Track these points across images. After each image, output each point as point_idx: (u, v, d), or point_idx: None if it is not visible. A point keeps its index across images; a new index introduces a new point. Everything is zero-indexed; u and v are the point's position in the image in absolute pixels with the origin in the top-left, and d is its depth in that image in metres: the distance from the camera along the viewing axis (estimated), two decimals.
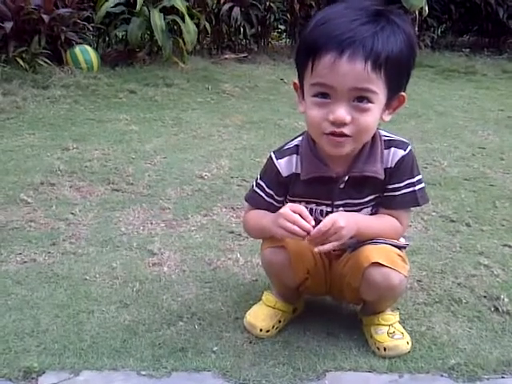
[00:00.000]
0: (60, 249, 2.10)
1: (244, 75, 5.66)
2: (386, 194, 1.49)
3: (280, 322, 1.63)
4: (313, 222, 1.36)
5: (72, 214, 2.40)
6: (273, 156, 1.52)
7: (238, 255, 2.07)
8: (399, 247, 1.51)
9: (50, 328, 1.61)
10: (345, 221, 1.37)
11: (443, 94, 5.30)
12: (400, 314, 1.67)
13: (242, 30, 6.94)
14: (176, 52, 5.66)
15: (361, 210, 1.51)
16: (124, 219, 2.37)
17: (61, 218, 2.36)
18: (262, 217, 1.53)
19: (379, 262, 1.42)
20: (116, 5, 5.44)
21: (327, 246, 1.37)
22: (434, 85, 5.80)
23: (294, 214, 1.36)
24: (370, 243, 1.46)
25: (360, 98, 1.31)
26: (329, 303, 1.78)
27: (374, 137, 1.44)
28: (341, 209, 1.49)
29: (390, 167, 1.46)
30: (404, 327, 1.61)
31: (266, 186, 1.54)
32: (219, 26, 6.65)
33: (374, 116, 1.34)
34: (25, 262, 2.00)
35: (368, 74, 1.27)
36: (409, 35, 1.33)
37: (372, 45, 1.26)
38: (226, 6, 6.38)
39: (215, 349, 1.54)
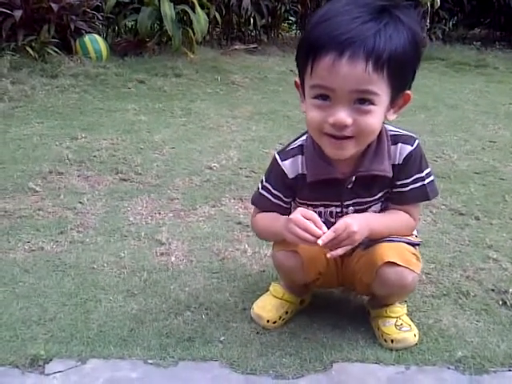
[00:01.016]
0: (68, 237, 2.10)
1: (253, 66, 5.64)
2: (394, 190, 1.47)
3: (287, 313, 1.63)
4: (324, 229, 1.32)
5: (80, 203, 2.41)
6: (277, 157, 1.49)
7: (246, 246, 2.06)
8: (413, 244, 1.50)
9: (57, 316, 1.62)
10: (357, 225, 1.34)
11: (454, 87, 5.26)
12: (408, 306, 1.66)
13: (252, 20, 6.93)
14: (185, 42, 5.65)
15: (370, 207, 1.49)
16: (132, 209, 2.38)
17: (69, 206, 2.37)
18: (272, 220, 1.50)
19: (393, 261, 1.41)
20: None
21: (340, 251, 1.35)
22: (444, 78, 5.76)
23: (305, 221, 1.33)
24: (384, 241, 1.44)
25: (361, 100, 1.25)
26: (336, 295, 1.78)
27: (380, 133, 1.40)
28: (350, 208, 1.48)
29: (398, 163, 1.43)
30: (412, 319, 1.61)
31: (273, 187, 1.51)
32: (229, 16, 6.63)
33: (376, 117, 1.28)
34: (33, 250, 2.01)
35: (369, 75, 1.21)
36: (414, 32, 1.26)
37: (373, 44, 1.20)
38: None
39: (222, 339, 1.54)
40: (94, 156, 2.99)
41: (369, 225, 1.40)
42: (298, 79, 1.38)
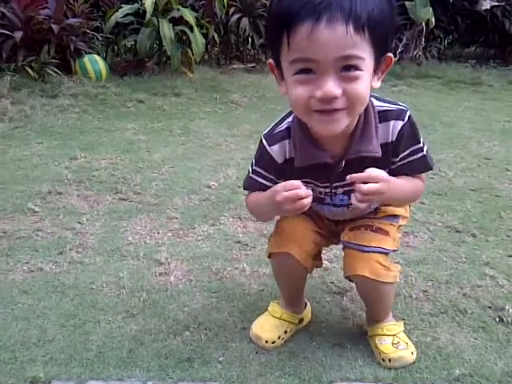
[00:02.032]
0: (67, 258, 2.11)
1: (252, 85, 5.69)
2: (393, 167, 1.41)
3: (286, 332, 1.64)
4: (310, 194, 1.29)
5: (79, 223, 2.42)
6: (264, 142, 1.43)
7: (245, 265, 2.07)
8: (386, 253, 1.48)
9: (56, 338, 1.62)
10: (385, 176, 1.29)
11: (449, 105, 5.30)
12: (405, 324, 1.67)
13: (250, 40, 6.99)
14: (184, 62, 5.71)
15: None
16: (131, 228, 2.39)
17: (68, 227, 2.38)
18: (259, 193, 1.46)
19: (364, 275, 1.45)
20: (125, 15, 5.52)
21: (362, 200, 1.28)
22: (440, 96, 5.80)
23: (293, 183, 1.28)
24: (357, 250, 1.46)
25: (347, 66, 1.15)
26: (335, 314, 1.79)
27: (366, 110, 1.32)
28: (340, 190, 1.45)
29: (392, 141, 1.36)
30: (409, 338, 1.61)
31: (264, 170, 1.46)
32: (227, 36, 6.70)
33: (365, 83, 1.19)
34: (32, 271, 2.02)
35: (352, 39, 1.12)
36: None
37: (350, 5, 1.10)
38: (235, 17, 6.42)
39: (221, 359, 1.55)
40: (94, 176, 3.01)
41: (388, 181, 1.31)
42: (271, 60, 1.29)
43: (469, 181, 3.08)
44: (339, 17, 1.10)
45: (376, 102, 1.36)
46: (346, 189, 1.45)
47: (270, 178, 1.45)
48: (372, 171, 1.27)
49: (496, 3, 7.26)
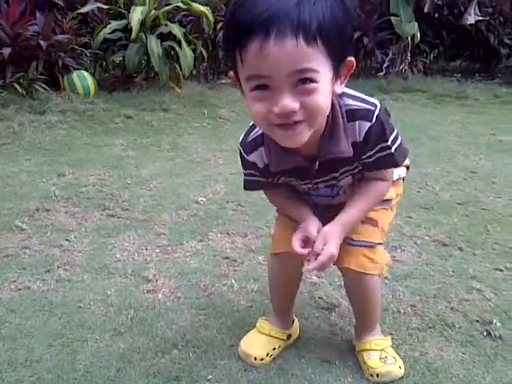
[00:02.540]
0: (54, 276, 2.10)
1: (240, 100, 5.67)
2: (362, 163, 1.41)
3: (274, 349, 1.64)
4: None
5: (67, 240, 2.41)
6: (242, 151, 1.45)
7: (233, 281, 2.07)
8: (372, 246, 1.51)
9: (43, 357, 1.61)
10: (336, 245, 1.39)
11: (435, 119, 5.36)
12: (393, 339, 1.68)
13: None
14: (173, 77, 5.73)
15: (340, 181, 1.47)
16: (119, 245, 2.38)
17: (56, 244, 2.37)
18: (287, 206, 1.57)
19: (349, 267, 1.49)
20: (113, 31, 5.53)
21: (313, 266, 1.39)
22: (426, 109, 5.86)
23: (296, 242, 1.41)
24: (345, 241, 1.46)
25: (302, 79, 1.12)
26: (323, 329, 1.79)
27: (334, 111, 1.29)
28: (320, 184, 1.48)
29: (359, 141, 1.34)
30: (397, 352, 1.62)
31: (255, 172, 1.47)
32: (216, 51, 6.73)
33: (323, 94, 1.16)
34: (19, 289, 2.00)
35: (303, 51, 1.08)
36: None
37: (299, 16, 1.06)
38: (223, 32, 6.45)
39: (210, 377, 1.54)
40: (82, 192, 3.01)
41: (345, 227, 1.43)
42: (233, 73, 1.24)
43: (455, 194, 3.11)
44: (288, 30, 1.07)
45: (344, 101, 1.34)
46: (327, 184, 1.48)
47: (263, 175, 1.47)
48: (323, 259, 1.36)
49: (480, 18, 7.36)
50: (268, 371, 1.58)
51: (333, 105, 1.27)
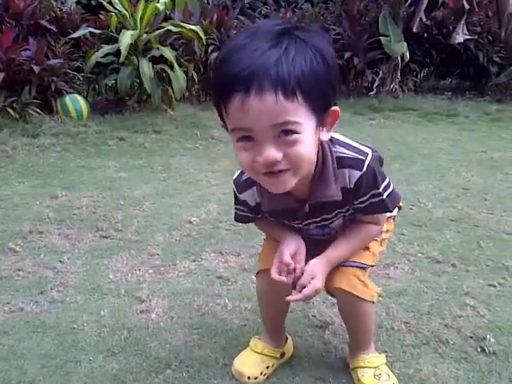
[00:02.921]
0: (48, 297, 2.09)
1: None
2: (353, 207, 1.45)
3: (268, 367, 1.64)
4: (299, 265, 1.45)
5: (60, 261, 2.41)
6: (235, 189, 1.51)
7: (227, 300, 2.07)
8: (365, 268, 1.53)
9: (36, 379, 1.60)
10: (321, 280, 1.44)
11: (427, 137, 5.39)
12: (388, 356, 1.68)
13: None
14: (165, 99, 5.76)
15: (332, 222, 1.51)
16: (112, 266, 2.38)
17: (49, 266, 2.37)
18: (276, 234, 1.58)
19: (340, 287, 1.49)
20: (106, 55, 5.58)
21: (296, 298, 1.45)
22: (417, 128, 5.90)
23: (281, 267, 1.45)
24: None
25: (284, 131, 1.16)
26: (317, 347, 1.79)
27: (324, 156, 1.35)
28: (312, 225, 1.51)
29: (350, 188, 1.38)
30: (392, 370, 1.62)
31: (246, 207, 1.53)
32: (207, 73, 6.78)
33: (306, 144, 1.20)
34: (12, 311, 1.99)
35: (283, 106, 1.12)
36: (319, 49, 1.18)
37: (277, 72, 1.11)
38: (214, 55, 6.51)
39: None
40: (75, 214, 3.01)
41: (332, 263, 1.48)
42: (220, 120, 1.28)
43: (448, 211, 3.13)
44: (267, 86, 1.11)
45: (336, 148, 1.38)
46: (317, 224, 1.52)
47: (253, 212, 1.53)
48: (308, 292, 1.42)
49: (469, 36, 7.46)
50: None
51: (323, 150, 1.34)
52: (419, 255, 2.49)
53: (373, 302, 1.55)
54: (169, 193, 3.45)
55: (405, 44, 7.07)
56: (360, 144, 1.42)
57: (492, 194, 3.47)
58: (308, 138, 1.20)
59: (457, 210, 3.16)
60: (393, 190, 1.44)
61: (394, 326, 1.90)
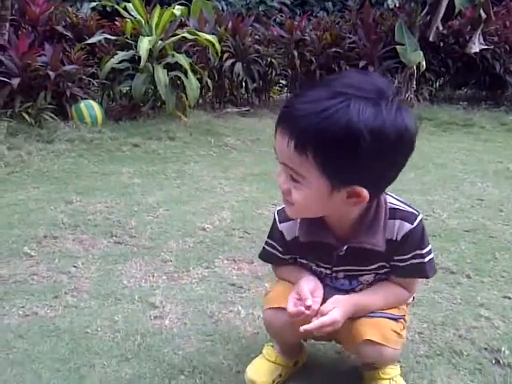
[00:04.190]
0: (62, 302, 2.11)
1: (246, 128, 5.76)
2: (392, 264, 1.44)
3: (281, 376, 1.63)
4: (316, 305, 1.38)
5: (74, 266, 2.42)
6: (276, 218, 1.52)
7: (240, 308, 2.07)
8: (396, 319, 1.48)
9: (51, 382, 1.61)
10: (342, 314, 1.38)
11: (442, 147, 5.37)
12: (401, 367, 1.66)
13: (243, 84, 7.10)
14: (179, 106, 5.79)
15: (362, 275, 1.48)
16: (126, 272, 2.39)
17: (63, 271, 2.38)
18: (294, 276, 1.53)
19: (372, 339, 1.42)
20: (121, 61, 5.62)
21: (313, 326, 1.36)
22: (432, 137, 5.87)
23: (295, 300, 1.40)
24: (365, 316, 1.44)
25: (290, 175, 1.25)
26: (330, 356, 1.78)
27: (378, 205, 1.37)
28: (340, 273, 1.49)
29: (396, 240, 1.39)
30: (406, 380, 1.61)
31: (277, 244, 1.54)
32: (221, 80, 6.81)
33: (305, 197, 1.25)
34: (27, 315, 2.01)
35: (292, 154, 1.20)
36: (377, 128, 1.13)
37: (301, 123, 1.16)
38: (229, 62, 6.55)
39: None
40: (89, 219, 3.03)
41: (355, 306, 1.42)
42: None
43: (462, 222, 3.11)
44: (288, 131, 1.20)
45: (390, 199, 1.41)
46: (347, 274, 1.49)
47: (280, 251, 1.55)
48: (326, 320, 1.35)
49: (485, 46, 7.42)
50: None
51: (378, 200, 1.37)
52: None
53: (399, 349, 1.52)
54: (182, 199, 3.46)
55: (421, 53, 7.04)
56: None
57: (508, 204, 3.44)
58: (310, 194, 1.25)
59: (472, 220, 3.14)
60: (433, 259, 1.45)
61: (407, 336, 1.88)
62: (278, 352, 1.66)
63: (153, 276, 2.36)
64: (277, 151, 1.26)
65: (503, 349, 1.80)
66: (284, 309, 1.41)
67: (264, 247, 1.60)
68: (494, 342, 1.86)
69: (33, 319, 1.98)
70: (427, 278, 1.52)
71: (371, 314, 1.45)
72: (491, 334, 1.91)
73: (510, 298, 2.18)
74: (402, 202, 1.42)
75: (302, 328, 1.36)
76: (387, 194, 1.41)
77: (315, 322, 1.35)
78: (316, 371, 1.70)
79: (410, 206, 1.42)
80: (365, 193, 1.23)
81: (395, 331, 1.46)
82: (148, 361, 1.73)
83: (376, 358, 1.47)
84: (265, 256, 1.62)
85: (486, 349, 1.82)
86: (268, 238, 1.58)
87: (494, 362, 1.75)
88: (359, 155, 1.15)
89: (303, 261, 1.53)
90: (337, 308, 1.38)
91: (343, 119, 1.13)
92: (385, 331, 1.44)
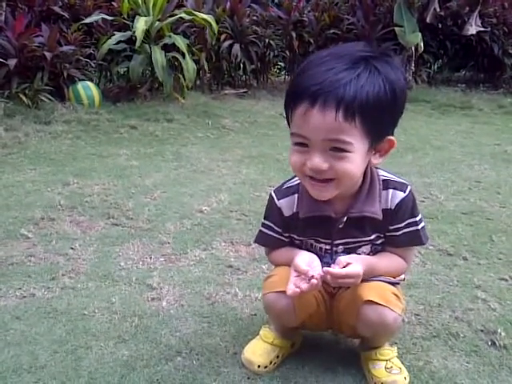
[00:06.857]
0: (59, 284, 2.11)
1: (243, 110, 5.74)
2: (388, 234, 1.50)
3: (278, 357, 1.64)
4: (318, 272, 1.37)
5: (72, 248, 2.42)
6: (274, 196, 1.54)
7: (237, 289, 2.07)
8: (393, 283, 1.51)
9: (48, 364, 1.62)
10: (362, 271, 1.38)
11: (440, 129, 5.36)
12: (398, 348, 1.67)
13: (241, 66, 7.06)
14: (176, 88, 5.76)
15: (360, 247, 1.51)
16: (123, 254, 2.39)
17: (60, 252, 2.38)
18: (287, 259, 1.50)
19: (373, 300, 1.43)
20: (118, 42, 5.58)
21: (342, 271, 1.37)
22: (430, 120, 5.87)
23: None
24: (363, 280, 1.44)
25: (336, 147, 1.28)
26: (327, 337, 1.79)
27: (372, 176, 1.44)
28: (340, 247, 1.50)
29: (390, 208, 1.45)
30: (402, 362, 1.61)
31: (274, 224, 1.55)
32: (219, 62, 6.77)
33: (354, 163, 1.30)
34: (24, 296, 2.01)
35: (340, 124, 1.24)
36: (390, 80, 1.27)
37: (344, 94, 1.22)
38: (226, 43, 6.50)
39: None
40: (86, 201, 3.02)
41: (366, 267, 1.42)
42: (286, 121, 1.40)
43: (460, 204, 3.11)
44: (331, 103, 1.23)
45: (381, 172, 1.48)
46: (346, 247, 1.50)
47: (279, 231, 1.56)
48: (351, 270, 1.36)
49: (482, 28, 7.37)
50: (271, 379, 1.58)
51: (372, 171, 1.45)
52: (430, 248, 2.48)
53: (402, 318, 1.53)
54: (180, 181, 3.46)
55: (419, 35, 7.00)
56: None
57: (505, 187, 3.45)
58: (356, 158, 1.30)
59: (469, 202, 3.14)
60: (425, 226, 1.52)
61: (404, 318, 1.89)
62: (275, 334, 1.67)
63: (150, 258, 2.36)
64: (312, 131, 1.27)
65: (499, 330, 1.80)
66: (285, 292, 1.40)
67: (260, 230, 1.61)
68: (490, 323, 1.86)
69: (30, 301, 1.98)
70: (423, 244, 1.55)
71: (368, 280, 1.46)
72: (487, 316, 1.92)
73: (506, 280, 2.19)
74: (392, 174, 1.50)
75: (329, 276, 1.36)
76: (378, 168, 1.47)
77: (339, 270, 1.36)
78: (313, 352, 1.70)
79: (400, 177, 1.50)
80: (393, 139, 1.36)
81: (394, 293, 1.48)
82: (145, 342, 1.73)
83: (377, 321, 1.45)
84: (261, 239, 1.62)
85: (482, 330, 1.83)
86: (264, 219, 1.59)
87: (489, 343, 1.75)
88: (396, 106, 1.31)
89: (301, 238, 1.53)
90: (356, 263, 1.39)
91: (379, 79, 1.25)
92: (385, 293, 1.46)
